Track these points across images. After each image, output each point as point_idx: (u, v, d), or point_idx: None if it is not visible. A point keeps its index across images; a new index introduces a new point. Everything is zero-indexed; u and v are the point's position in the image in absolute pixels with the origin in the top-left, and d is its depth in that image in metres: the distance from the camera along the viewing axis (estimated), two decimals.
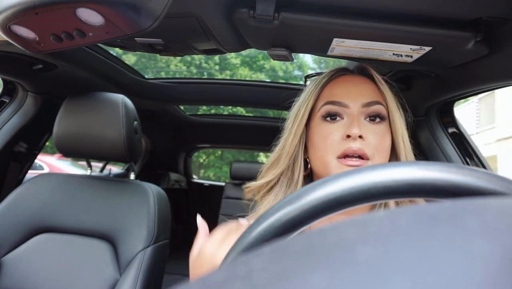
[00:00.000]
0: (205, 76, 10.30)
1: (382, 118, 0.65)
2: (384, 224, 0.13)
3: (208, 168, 12.07)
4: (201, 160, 11.83)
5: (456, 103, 1.13)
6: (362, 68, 0.71)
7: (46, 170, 4.06)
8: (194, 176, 3.45)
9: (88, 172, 1.29)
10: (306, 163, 0.69)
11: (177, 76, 1.85)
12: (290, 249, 0.13)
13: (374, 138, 0.62)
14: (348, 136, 0.61)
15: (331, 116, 0.65)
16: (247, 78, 10.36)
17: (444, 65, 0.82)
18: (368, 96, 0.65)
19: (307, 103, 0.68)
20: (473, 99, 12.53)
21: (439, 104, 1.10)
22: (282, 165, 0.68)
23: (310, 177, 0.71)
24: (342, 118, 0.65)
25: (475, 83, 0.87)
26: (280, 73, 10.71)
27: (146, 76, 1.64)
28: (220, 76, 10.55)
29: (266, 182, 0.69)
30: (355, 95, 0.65)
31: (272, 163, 0.70)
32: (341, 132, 0.63)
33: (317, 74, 0.73)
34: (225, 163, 11.36)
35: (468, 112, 13.33)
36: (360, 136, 0.61)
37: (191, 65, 9.94)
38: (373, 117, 0.64)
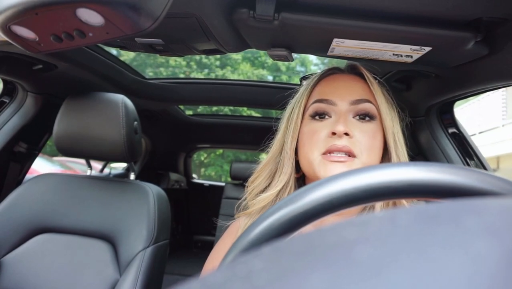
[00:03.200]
0: (206, 72, 10.20)
1: (371, 117, 0.63)
2: (384, 224, 0.13)
3: (209, 166, 12.05)
4: (202, 158, 11.81)
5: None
6: (353, 66, 0.70)
7: None
8: (195, 175, 3.45)
9: (88, 172, 1.29)
10: (298, 164, 0.68)
11: (177, 75, 1.85)
12: (289, 249, 0.13)
13: (363, 137, 0.61)
14: (334, 133, 0.60)
15: (319, 115, 0.64)
16: (249, 74, 10.31)
17: (444, 66, 0.82)
18: (356, 94, 0.64)
19: (300, 104, 0.67)
20: None
21: (439, 105, 1.10)
22: (275, 166, 0.68)
23: (302, 178, 0.70)
24: (330, 116, 0.64)
25: (475, 83, 0.87)
26: (283, 68, 10.61)
27: (146, 76, 1.64)
28: (221, 72, 10.47)
29: (259, 183, 0.68)
30: (343, 93, 0.64)
31: (266, 163, 0.69)
32: (327, 130, 0.62)
33: (311, 75, 0.73)
34: (226, 162, 11.33)
35: (493, 103, 11.51)
36: (347, 134, 0.60)
37: (191, 60, 9.87)
38: (363, 116, 0.63)
